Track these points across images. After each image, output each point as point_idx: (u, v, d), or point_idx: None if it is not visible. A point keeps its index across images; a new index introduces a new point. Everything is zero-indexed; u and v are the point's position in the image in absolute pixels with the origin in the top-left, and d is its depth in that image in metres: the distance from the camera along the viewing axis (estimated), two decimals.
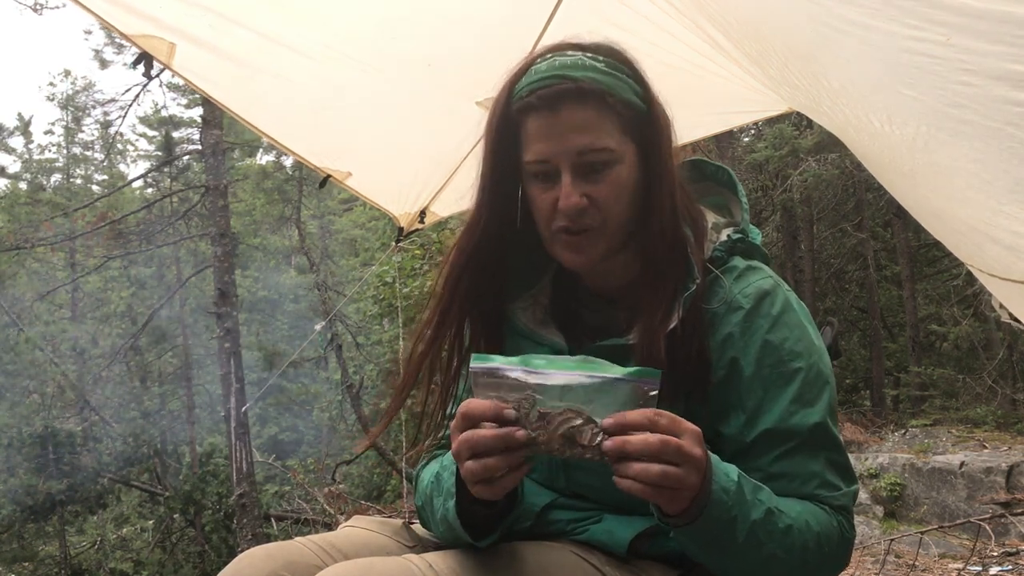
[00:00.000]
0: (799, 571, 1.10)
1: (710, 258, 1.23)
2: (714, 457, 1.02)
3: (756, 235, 1.31)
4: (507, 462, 0.98)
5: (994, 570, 5.09)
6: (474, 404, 0.98)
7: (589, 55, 1.18)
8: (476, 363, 1.00)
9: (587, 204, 1.16)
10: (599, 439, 0.95)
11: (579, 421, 0.95)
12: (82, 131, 23.98)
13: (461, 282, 1.26)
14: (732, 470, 1.04)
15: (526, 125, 1.17)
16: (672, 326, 1.15)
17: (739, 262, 1.24)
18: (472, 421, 0.98)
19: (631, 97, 1.18)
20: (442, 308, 1.28)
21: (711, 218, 1.31)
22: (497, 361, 1.00)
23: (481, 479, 0.99)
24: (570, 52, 1.19)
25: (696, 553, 1.08)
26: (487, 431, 0.97)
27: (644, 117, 1.19)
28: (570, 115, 1.14)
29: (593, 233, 1.18)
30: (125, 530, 15.22)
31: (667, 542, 1.22)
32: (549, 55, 1.19)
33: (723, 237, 1.27)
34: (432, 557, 1.12)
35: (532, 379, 0.97)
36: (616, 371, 0.98)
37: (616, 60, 1.19)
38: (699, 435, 0.97)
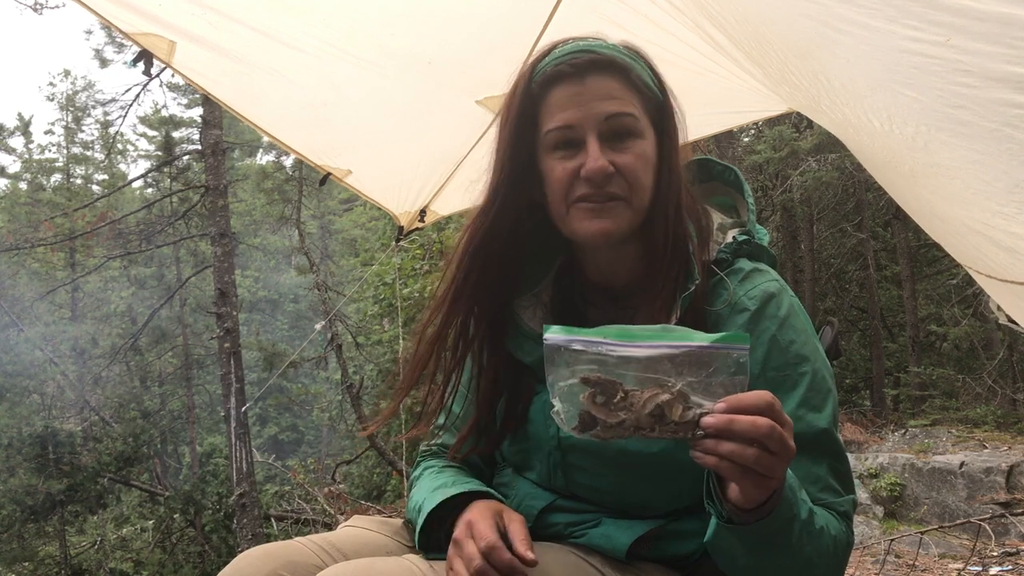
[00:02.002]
0: (824, 574, 1.09)
1: (715, 260, 1.23)
2: None
3: (763, 236, 1.30)
4: None
5: (994, 570, 5.09)
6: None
7: (612, 43, 1.22)
8: (551, 335, 0.94)
9: (613, 171, 1.15)
10: (692, 414, 0.89)
11: (667, 396, 0.89)
12: (82, 131, 24.03)
13: (474, 265, 1.25)
14: None
15: (549, 97, 1.18)
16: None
17: (745, 264, 1.24)
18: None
19: (651, 83, 1.21)
20: (454, 291, 1.26)
21: (717, 218, 1.30)
22: (573, 334, 0.93)
23: None
24: (593, 39, 1.22)
25: (739, 555, 1.04)
26: (473, 551, 1.05)
27: (661, 104, 1.22)
28: (598, 83, 1.17)
29: (620, 205, 1.17)
30: (125, 530, 15.21)
31: (668, 546, 1.22)
32: (571, 40, 1.22)
33: (729, 238, 1.27)
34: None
35: (613, 352, 0.91)
36: (702, 338, 0.91)
37: (636, 53, 1.23)
38: (793, 428, 0.93)
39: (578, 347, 0.92)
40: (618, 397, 0.90)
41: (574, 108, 1.16)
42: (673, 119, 1.23)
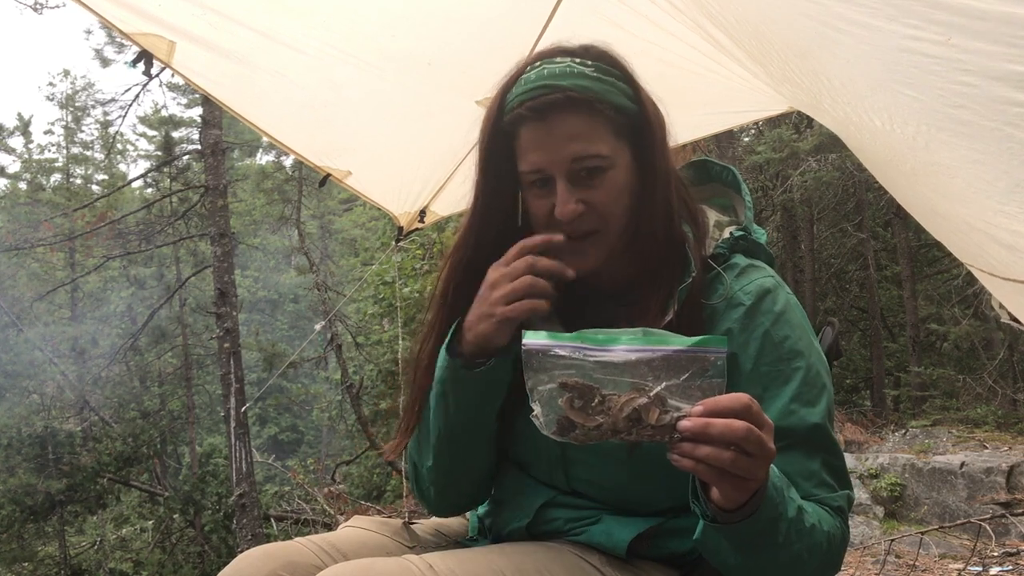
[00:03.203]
0: (815, 572, 1.09)
1: (712, 255, 1.24)
2: None
3: (761, 234, 1.31)
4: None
5: (994, 570, 5.09)
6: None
7: (577, 60, 1.17)
8: (529, 340, 0.95)
9: (584, 210, 1.16)
10: (669, 418, 0.89)
11: (644, 400, 0.90)
12: (82, 131, 24.03)
13: (460, 289, 1.26)
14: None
15: (518, 136, 1.18)
16: (667, 320, 1.15)
17: (741, 260, 1.24)
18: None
19: (621, 101, 1.18)
20: (442, 317, 1.27)
21: (714, 217, 1.31)
22: (550, 338, 0.94)
23: (524, 293, 1.12)
24: (559, 59, 1.18)
25: (727, 554, 1.04)
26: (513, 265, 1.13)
27: (636, 119, 1.19)
28: (560, 125, 1.14)
29: (596, 237, 1.18)
30: (125, 530, 15.22)
31: (667, 543, 1.22)
32: (538, 63, 1.18)
33: (725, 235, 1.27)
34: (432, 557, 1.12)
35: (591, 356, 0.92)
36: (679, 341, 0.92)
37: (605, 63, 1.19)
38: (773, 429, 0.94)
39: (556, 352, 0.93)
40: (595, 401, 0.91)
41: (540, 152, 1.16)
42: (652, 129, 1.20)
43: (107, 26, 2.06)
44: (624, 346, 0.92)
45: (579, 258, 1.19)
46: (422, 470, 1.30)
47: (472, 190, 1.26)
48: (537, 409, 0.94)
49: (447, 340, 1.20)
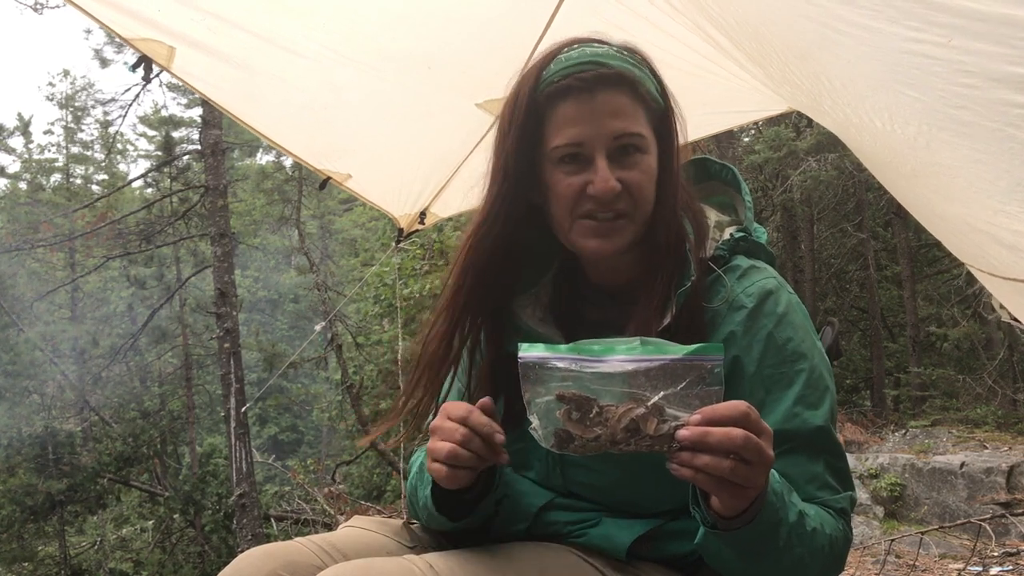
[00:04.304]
0: (818, 574, 1.09)
1: (712, 257, 1.23)
2: None
3: (761, 234, 1.30)
4: (467, 454, 1.04)
5: (994, 570, 5.09)
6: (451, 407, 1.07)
7: (615, 49, 1.20)
8: (525, 353, 0.95)
9: (621, 189, 1.15)
10: (667, 427, 0.89)
11: (642, 410, 0.90)
12: (82, 131, 24.02)
13: (475, 276, 1.25)
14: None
15: (556, 110, 1.17)
16: (666, 323, 1.14)
17: (742, 261, 1.24)
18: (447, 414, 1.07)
19: (655, 93, 1.20)
20: (455, 301, 1.26)
21: (714, 216, 1.31)
22: (547, 350, 0.94)
23: (443, 460, 1.05)
24: (597, 44, 1.20)
25: (728, 560, 1.04)
26: (453, 424, 1.05)
27: (663, 113, 1.21)
28: (607, 100, 1.15)
29: (624, 220, 1.18)
30: (125, 530, 15.22)
31: (668, 545, 1.22)
32: (577, 46, 1.20)
33: (726, 236, 1.27)
34: (432, 557, 1.12)
35: (588, 368, 0.92)
36: (675, 350, 0.92)
37: (639, 57, 1.22)
38: (772, 436, 0.93)
39: (553, 364, 0.93)
40: (593, 412, 0.91)
41: (583, 125, 1.15)
42: (673, 125, 1.23)
43: (107, 31, 2.06)
44: (620, 356, 0.92)
45: (602, 239, 1.19)
46: (414, 507, 1.31)
47: (490, 175, 1.23)
48: (535, 421, 0.94)
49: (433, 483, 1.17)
